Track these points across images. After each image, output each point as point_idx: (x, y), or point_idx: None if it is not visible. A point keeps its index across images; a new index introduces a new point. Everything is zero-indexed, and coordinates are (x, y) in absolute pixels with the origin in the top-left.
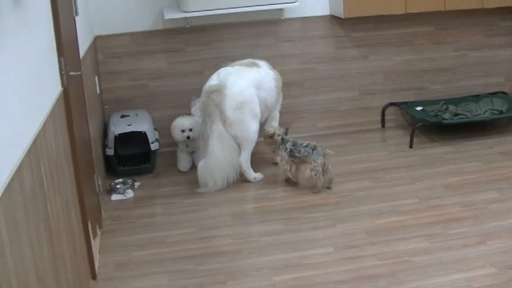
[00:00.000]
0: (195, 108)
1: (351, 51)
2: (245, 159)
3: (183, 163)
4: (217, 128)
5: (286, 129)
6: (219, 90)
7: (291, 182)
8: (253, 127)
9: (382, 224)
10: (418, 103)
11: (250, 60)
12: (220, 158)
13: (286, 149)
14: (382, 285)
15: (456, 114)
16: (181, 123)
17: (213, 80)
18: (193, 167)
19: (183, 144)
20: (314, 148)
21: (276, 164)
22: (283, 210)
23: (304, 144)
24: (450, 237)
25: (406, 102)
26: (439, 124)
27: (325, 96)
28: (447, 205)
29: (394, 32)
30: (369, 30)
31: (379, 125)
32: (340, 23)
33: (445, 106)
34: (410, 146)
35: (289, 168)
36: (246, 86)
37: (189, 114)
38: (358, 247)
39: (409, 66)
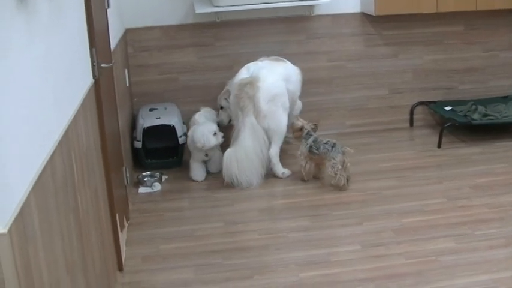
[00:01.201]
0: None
1: (381, 49)
2: (275, 152)
3: (199, 172)
4: (250, 120)
5: (315, 125)
6: (252, 83)
7: (302, 179)
8: (284, 119)
9: (409, 223)
10: (447, 103)
11: (275, 56)
12: (250, 150)
13: (307, 144)
14: (408, 284)
15: (485, 115)
16: (210, 127)
17: (243, 74)
18: (208, 173)
19: (201, 152)
20: (333, 145)
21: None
22: (311, 206)
23: (324, 141)
24: (477, 238)
25: (435, 102)
26: (468, 124)
27: (353, 94)
28: (475, 206)
29: (424, 31)
30: (400, 28)
31: (408, 124)
32: (371, 21)
33: (474, 106)
34: (439, 146)
35: (304, 164)
36: (277, 79)
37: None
38: (384, 245)
39: (439, 66)
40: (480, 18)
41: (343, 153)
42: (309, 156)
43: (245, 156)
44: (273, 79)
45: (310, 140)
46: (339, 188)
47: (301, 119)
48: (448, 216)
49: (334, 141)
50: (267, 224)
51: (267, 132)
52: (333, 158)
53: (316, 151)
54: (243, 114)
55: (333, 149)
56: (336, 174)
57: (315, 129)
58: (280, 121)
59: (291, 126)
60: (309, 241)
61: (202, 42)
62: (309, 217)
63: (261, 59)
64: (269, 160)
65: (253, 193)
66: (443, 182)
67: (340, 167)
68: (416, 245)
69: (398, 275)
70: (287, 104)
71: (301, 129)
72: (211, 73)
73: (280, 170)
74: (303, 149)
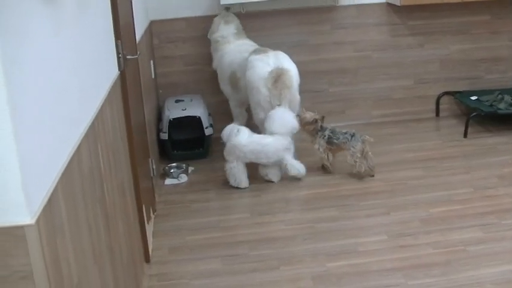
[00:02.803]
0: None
1: (407, 39)
2: None
3: (243, 177)
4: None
5: (323, 117)
6: (285, 73)
7: (327, 171)
8: None
9: (436, 213)
10: (473, 93)
11: (264, 48)
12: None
13: (325, 136)
14: (436, 274)
15: (511, 105)
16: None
17: (265, 67)
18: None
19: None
20: (353, 135)
21: (324, 168)
22: (338, 197)
23: (344, 131)
24: (504, 227)
25: (460, 92)
26: (494, 114)
27: (379, 84)
28: (501, 195)
29: (450, 21)
30: (425, 18)
31: (434, 114)
32: (396, 11)
33: (500, 96)
34: (465, 136)
35: (326, 156)
36: (295, 67)
37: None
38: (412, 235)
39: (465, 56)
40: (506, 7)
41: (363, 141)
42: (328, 148)
43: None
44: (295, 67)
45: (327, 131)
46: (361, 176)
47: (309, 112)
48: (475, 206)
49: (353, 130)
50: (294, 215)
51: None
52: (353, 147)
53: (336, 141)
54: (282, 104)
55: (353, 138)
56: (355, 162)
57: (322, 121)
58: (298, 108)
59: (300, 120)
60: (336, 231)
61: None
62: (336, 207)
63: (256, 50)
64: None
65: (279, 184)
66: (470, 171)
67: (359, 155)
68: (444, 234)
69: (425, 264)
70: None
71: (313, 122)
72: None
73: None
74: (321, 141)
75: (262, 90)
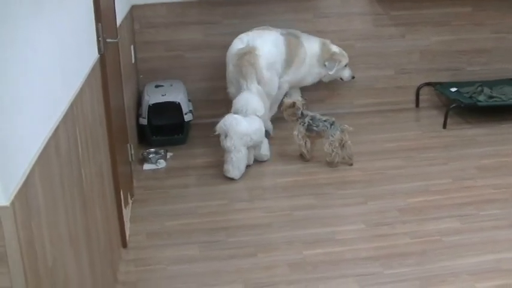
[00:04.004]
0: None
1: (389, 29)
2: (270, 112)
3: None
4: (256, 86)
5: (303, 103)
6: (251, 52)
7: (304, 158)
8: (277, 85)
9: (414, 203)
10: (453, 84)
11: (265, 26)
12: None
13: (305, 123)
14: (412, 264)
15: (491, 97)
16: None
17: (238, 45)
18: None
19: None
20: (332, 123)
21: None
22: (316, 185)
23: (323, 119)
24: (482, 218)
25: (441, 83)
26: (473, 106)
27: (362, 74)
28: (480, 187)
29: (432, 12)
30: (408, 9)
31: (414, 105)
32: (379, 1)
33: (480, 88)
34: (444, 127)
35: (304, 143)
36: (272, 46)
37: None
38: (389, 225)
39: (446, 47)
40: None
41: (342, 131)
42: (306, 135)
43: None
44: (269, 47)
45: (307, 118)
46: (334, 165)
47: (293, 97)
48: (453, 197)
49: (333, 119)
50: (271, 202)
51: (269, 98)
52: (332, 136)
53: (315, 128)
54: (247, 82)
55: (332, 126)
56: (332, 151)
57: (305, 106)
58: (275, 86)
59: (282, 105)
60: (314, 219)
61: (209, 20)
62: (314, 195)
63: (252, 29)
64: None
65: (258, 171)
66: (449, 162)
67: (337, 144)
68: (421, 224)
69: (402, 254)
70: (279, 70)
71: (293, 105)
72: (217, 51)
73: (270, 125)
74: (300, 128)
75: (229, 66)
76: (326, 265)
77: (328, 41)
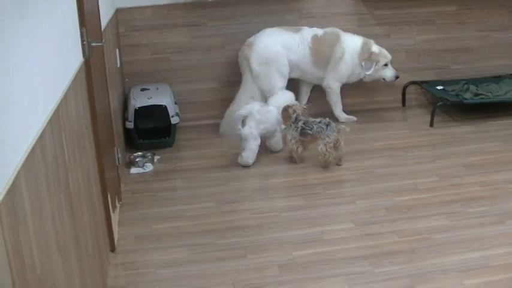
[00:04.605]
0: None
1: (374, 29)
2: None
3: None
4: (245, 78)
5: (305, 107)
6: (250, 45)
7: (293, 162)
8: (278, 84)
9: (402, 202)
10: (439, 82)
11: (297, 27)
12: (243, 104)
13: (298, 128)
14: (401, 262)
15: (477, 95)
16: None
17: (252, 37)
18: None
19: None
20: (328, 124)
21: (291, 159)
22: (304, 186)
23: (318, 121)
24: (469, 215)
25: (427, 81)
26: (460, 104)
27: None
28: (467, 184)
29: (416, 11)
30: (392, 8)
31: (400, 104)
32: (364, 1)
33: (466, 86)
34: (431, 125)
35: (296, 148)
36: (273, 45)
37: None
38: (378, 224)
39: (431, 46)
40: None
41: (338, 131)
42: (300, 140)
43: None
44: (268, 44)
45: (300, 122)
46: (326, 166)
47: (293, 102)
48: (440, 195)
49: (327, 119)
50: (260, 203)
51: (262, 93)
52: (328, 137)
53: (310, 131)
54: (242, 73)
55: (328, 127)
56: (327, 151)
57: (306, 111)
58: (273, 84)
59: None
60: (303, 220)
61: (194, 22)
62: (302, 196)
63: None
64: None
65: (245, 172)
66: (436, 160)
67: (331, 145)
68: (409, 222)
69: (391, 252)
70: (283, 71)
71: (286, 109)
72: (203, 53)
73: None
74: (294, 133)
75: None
76: (316, 265)
77: (371, 41)
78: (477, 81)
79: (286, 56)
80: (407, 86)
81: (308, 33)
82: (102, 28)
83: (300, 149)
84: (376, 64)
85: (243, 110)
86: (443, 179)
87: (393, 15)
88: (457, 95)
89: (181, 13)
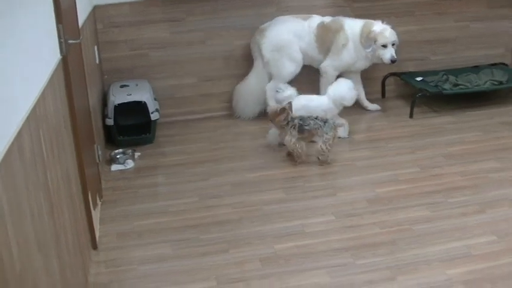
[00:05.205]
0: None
1: None
2: (270, 87)
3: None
4: (257, 64)
5: (289, 105)
6: (262, 32)
7: (299, 159)
8: (289, 69)
9: (383, 193)
10: (419, 73)
11: (307, 15)
12: (252, 88)
13: (295, 125)
14: (382, 253)
15: (456, 85)
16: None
17: (265, 24)
18: None
19: None
20: (325, 121)
21: (283, 145)
22: (284, 179)
23: (314, 117)
24: (450, 205)
25: (406, 73)
26: (439, 94)
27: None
28: (448, 174)
29: (395, 2)
30: (370, 0)
31: (380, 95)
32: None
33: (445, 77)
34: (411, 116)
35: (297, 147)
36: (285, 32)
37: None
38: (359, 215)
39: (410, 37)
40: None
41: (335, 128)
42: (299, 137)
43: (248, 92)
44: (280, 31)
45: (297, 119)
46: (323, 164)
47: (275, 105)
48: (421, 185)
49: (325, 116)
50: (242, 198)
51: (272, 77)
52: (326, 133)
53: (307, 127)
54: (255, 58)
55: (326, 124)
56: (327, 149)
57: (291, 109)
58: (282, 68)
59: (269, 113)
60: (284, 213)
61: (173, 18)
62: (283, 189)
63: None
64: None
65: (226, 167)
66: (416, 151)
67: (331, 142)
68: (390, 214)
69: (372, 244)
70: (295, 56)
71: (282, 111)
72: (182, 48)
73: (273, 103)
74: (293, 132)
75: None
76: (297, 258)
77: (372, 21)
78: (456, 71)
79: (297, 43)
80: (387, 77)
81: (315, 20)
82: (80, 25)
83: (303, 146)
84: (374, 43)
85: (277, 100)
86: (423, 169)
87: (372, 7)
88: (437, 86)
89: (160, 9)
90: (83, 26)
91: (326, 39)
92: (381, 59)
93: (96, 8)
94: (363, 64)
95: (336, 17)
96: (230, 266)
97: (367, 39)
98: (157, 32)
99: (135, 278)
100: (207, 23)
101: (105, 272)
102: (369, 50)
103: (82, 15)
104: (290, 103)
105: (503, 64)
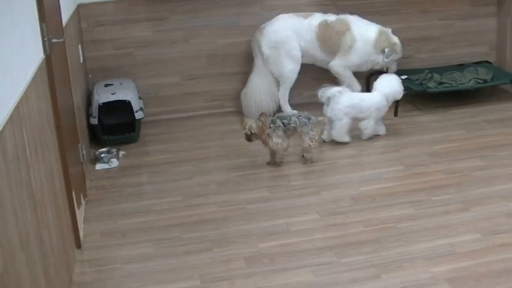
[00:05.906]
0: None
1: None
2: (282, 94)
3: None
4: (258, 62)
5: (262, 113)
6: (261, 29)
7: (281, 160)
8: (288, 67)
9: (367, 191)
10: (403, 72)
11: (309, 13)
12: (256, 88)
13: (279, 126)
14: (366, 251)
15: (441, 83)
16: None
17: (266, 23)
18: None
19: None
20: (309, 118)
21: (280, 162)
22: (269, 178)
23: (297, 114)
24: (434, 203)
25: None
26: (423, 92)
27: (311, 64)
28: (432, 172)
29: (379, 0)
30: None
31: None
32: None
33: (429, 75)
34: (395, 114)
35: (286, 148)
36: (283, 29)
37: None
38: (343, 214)
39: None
40: None
41: (318, 124)
42: (286, 137)
43: (253, 93)
44: (278, 27)
45: (278, 120)
46: (309, 161)
47: (249, 120)
48: (405, 184)
49: (306, 113)
50: (226, 197)
51: (273, 76)
52: (312, 130)
53: (293, 125)
54: (254, 56)
55: (310, 121)
56: (314, 147)
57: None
58: (282, 67)
59: (254, 132)
60: (268, 212)
61: (157, 17)
62: (267, 188)
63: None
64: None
65: (211, 166)
66: (401, 149)
67: (316, 139)
68: (375, 212)
69: (357, 242)
70: (293, 53)
71: (262, 117)
72: (166, 47)
73: (288, 109)
74: (279, 133)
75: None
76: (282, 257)
77: (389, 30)
78: (441, 69)
79: (296, 40)
80: (371, 75)
81: (317, 19)
82: (64, 24)
83: (287, 147)
84: (395, 55)
85: (327, 92)
86: (408, 167)
87: (357, 5)
88: (421, 84)
89: (144, 8)
90: (66, 25)
91: (329, 38)
92: (387, 68)
93: (80, 7)
94: (366, 68)
95: (341, 16)
96: (214, 264)
97: (392, 50)
98: (141, 31)
99: (119, 277)
100: (190, 22)
101: (89, 271)
102: (388, 60)
103: (66, 14)
104: (262, 113)
105: (488, 62)
